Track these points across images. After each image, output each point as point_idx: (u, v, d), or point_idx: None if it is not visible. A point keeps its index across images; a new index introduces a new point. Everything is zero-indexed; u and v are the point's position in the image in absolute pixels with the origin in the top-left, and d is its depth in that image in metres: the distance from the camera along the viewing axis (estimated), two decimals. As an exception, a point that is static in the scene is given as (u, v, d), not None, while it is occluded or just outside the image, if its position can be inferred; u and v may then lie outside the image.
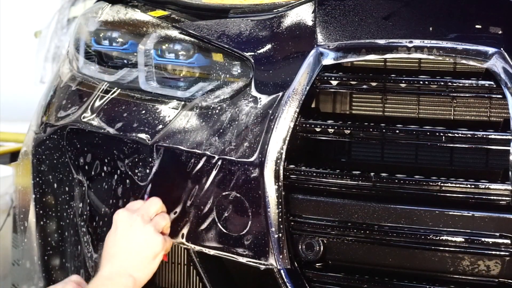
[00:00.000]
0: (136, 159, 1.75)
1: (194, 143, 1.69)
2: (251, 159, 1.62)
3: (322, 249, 1.63)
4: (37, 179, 1.98)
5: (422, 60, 1.69)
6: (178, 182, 1.72)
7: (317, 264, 1.64)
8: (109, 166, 1.80)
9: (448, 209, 1.54)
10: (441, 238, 1.53)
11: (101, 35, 1.93)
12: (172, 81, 1.82)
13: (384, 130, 1.60)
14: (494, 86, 1.54)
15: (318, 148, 1.75)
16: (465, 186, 1.53)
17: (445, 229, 1.53)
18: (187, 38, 1.81)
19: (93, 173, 1.83)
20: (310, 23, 1.68)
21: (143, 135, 1.75)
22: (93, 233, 1.84)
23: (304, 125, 1.63)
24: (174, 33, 1.83)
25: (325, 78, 1.63)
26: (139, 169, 1.74)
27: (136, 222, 1.62)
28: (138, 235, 1.61)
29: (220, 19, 1.79)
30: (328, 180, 1.62)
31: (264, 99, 1.66)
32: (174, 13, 1.87)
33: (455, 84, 1.58)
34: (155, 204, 1.66)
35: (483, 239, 1.51)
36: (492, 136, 1.54)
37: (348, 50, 1.62)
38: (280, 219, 1.60)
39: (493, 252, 1.52)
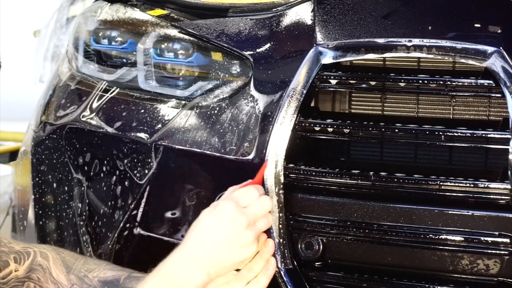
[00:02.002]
0: (135, 158, 1.75)
1: (193, 142, 1.69)
2: (251, 158, 1.62)
3: (321, 248, 1.63)
4: (37, 178, 1.98)
5: (421, 59, 1.69)
6: (177, 181, 1.72)
7: (317, 263, 1.64)
8: (108, 165, 1.80)
9: (447, 208, 1.54)
10: (440, 237, 1.53)
11: (100, 34, 1.93)
12: (171, 80, 1.82)
13: (383, 129, 1.60)
14: (493, 85, 1.54)
15: (317, 147, 1.75)
16: (464, 185, 1.53)
17: (444, 228, 1.53)
18: (186, 37, 1.81)
19: (92, 172, 1.83)
20: (309, 22, 1.68)
21: (142, 134, 1.75)
22: (92, 232, 1.84)
23: (303, 124, 1.62)
24: (173, 32, 1.83)
25: (324, 77, 1.63)
26: (138, 168, 1.74)
27: (241, 226, 1.46)
28: (237, 240, 1.46)
29: (219, 18, 1.79)
30: (327, 179, 1.62)
31: (263, 98, 1.66)
32: (173, 12, 1.86)
33: (454, 83, 1.57)
34: (266, 206, 1.51)
35: (482, 238, 1.51)
36: (491, 135, 1.54)
37: (347, 49, 1.62)
38: (279, 218, 1.60)
39: (492, 251, 1.52)
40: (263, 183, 1.59)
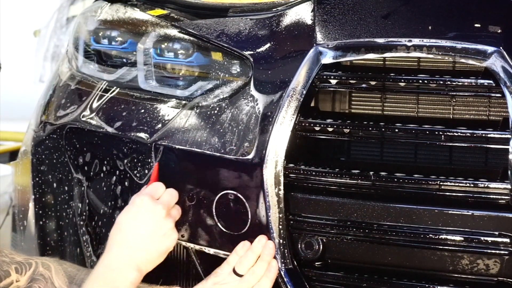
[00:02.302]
0: (135, 158, 1.75)
1: (193, 142, 1.69)
2: (251, 158, 1.62)
3: (321, 248, 1.63)
4: (37, 178, 1.98)
5: (421, 59, 1.69)
6: (177, 181, 1.71)
7: (317, 263, 1.64)
8: (108, 165, 1.80)
9: (447, 208, 1.54)
10: (440, 237, 1.53)
11: (100, 34, 1.93)
12: (171, 80, 1.82)
13: (383, 129, 1.60)
14: (493, 85, 1.54)
15: (317, 147, 1.75)
16: (464, 185, 1.53)
17: (444, 228, 1.53)
18: (186, 37, 1.81)
19: (92, 172, 1.83)
20: (309, 22, 1.68)
21: (142, 134, 1.75)
22: (93, 232, 1.84)
23: (303, 124, 1.62)
24: (173, 32, 1.83)
25: (324, 77, 1.63)
26: (138, 168, 1.74)
27: (159, 214, 1.56)
28: (158, 228, 1.55)
29: (219, 18, 1.79)
30: (327, 179, 1.62)
31: (263, 98, 1.66)
32: (173, 12, 1.86)
33: (454, 83, 1.57)
34: (176, 195, 1.62)
35: (482, 238, 1.51)
36: (491, 135, 1.54)
37: (347, 49, 1.62)
38: (279, 218, 1.60)
39: (492, 251, 1.52)
40: (262, 182, 1.59)
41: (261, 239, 1.59)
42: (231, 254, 1.62)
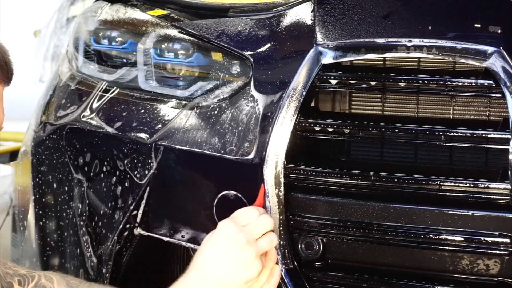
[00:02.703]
0: (136, 159, 1.75)
1: (193, 142, 1.69)
2: (251, 159, 1.62)
3: (321, 248, 1.63)
4: (37, 178, 1.98)
5: (421, 59, 1.69)
6: (177, 181, 1.72)
7: (317, 263, 1.64)
8: (109, 165, 1.80)
9: (447, 208, 1.54)
10: (440, 237, 1.53)
11: (100, 34, 1.93)
12: (172, 80, 1.82)
13: (383, 129, 1.60)
14: (494, 85, 1.54)
15: (317, 147, 1.75)
16: (464, 185, 1.53)
17: (444, 228, 1.53)
18: (186, 37, 1.81)
19: (92, 172, 1.83)
20: (309, 22, 1.68)
21: (142, 134, 1.75)
22: (93, 233, 1.84)
23: (303, 124, 1.62)
24: (174, 32, 1.83)
25: (325, 77, 1.63)
26: (138, 168, 1.74)
27: (240, 242, 1.46)
28: (238, 258, 1.46)
29: (219, 18, 1.79)
30: (327, 179, 1.62)
31: (264, 99, 1.66)
32: (173, 12, 1.86)
33: (454, 83, 1.57)
34: (266, 224, 1.52)
35: (482, 238, 1.51)
36: (492, 135, 1.54)
37: (348, 49, 1.62)
38: (280, 218, 1.60)
39: (492, 251, 1.52)
40: (262, 182, 1.59)
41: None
42: None
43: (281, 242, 1.60)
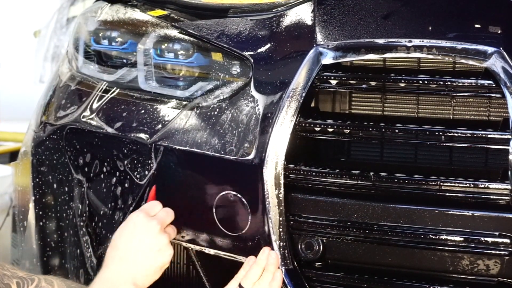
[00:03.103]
0: (135, 159, 1.75)
1: (193, 142, 1.69)
2: (251, 159, 1.62)
3: (321, 248, 1.63)
4: (37, 179, 1.98)
5: (421, 60, 1.69)
6: (177, 181, 1.72)
7: (317, 264, 1.64)
8: (109, 166, 1.80)
9: (447, 209, 1.54)
10: (440, 237, 1.53)
11: (100, 35, 1.93)
12: (172, 80, 1.82)
13: (383, 130, 1.60)
14: (494, 85, 1.54)
15: (317, 147, 1.75)
16: (464, 185, 1.53)
17: (444, 228, 1.53)
18: (186, 37, 1.81)
19: (92, 173, 1.83)
20: (309, 22, 1.68)
21: (142, 135, 1.75)
22: (93, 233, 1.84)
23: (303, 124, 1.62)
24: (174, 32, 1.83)
25: (325, 77, 1.63)
26: (138, 169, 1.74)
27: (154, 230, 1.58)
28: (153, 243, 1.57)
29: (219, 18, 1.79)
30: (327, 179, 1.62)
31: (264, 99, 1.66)
32: (173, 13, 1.86)
33: (454, 84, 1.58)
34: (171, 214, 1.64)
35: (482, 239, 1.51)
36: (492, 136, 1.54)
37: (348, 49, 1.62)
38: (280, 219, 1.60)
39: (492, 252, 1.52)
40: (262, 183, 1.59)
41: (265, 250, 1.61)
42: (239, 270, 1.62)
43: (281, 243, 1.60)
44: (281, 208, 1.60)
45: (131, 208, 1.75)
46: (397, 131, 1.59)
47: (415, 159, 1.74)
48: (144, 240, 1.57)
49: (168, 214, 1.63)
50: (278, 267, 1.59)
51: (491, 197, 1.52)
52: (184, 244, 1.71)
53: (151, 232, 1.57)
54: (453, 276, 1.57)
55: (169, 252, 1.59)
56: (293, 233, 1.63)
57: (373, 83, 1.62)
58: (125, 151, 1.77)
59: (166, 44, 1.82)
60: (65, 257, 1.96)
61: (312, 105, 1.72)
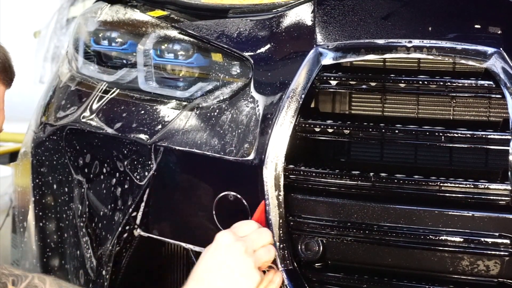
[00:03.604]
0: (135, 159, 1.75)
1: (193, 143, 1.69)
2: (251, 159, 1.62)
3: (321, 249, 1.63)
4: (37, 180, 1.98)
5: (421, 60, 1.69)
6: (177, 182, 1.71)
7: (317, 264, 1.63)
8: (109, 166, 1.80)
9: (447, 209, 1.53)
10: (440, 238, 1.53)
11: (100, 35, 1.93)
12: (171, 81, 1.82)
13: (383, 130, 1.60)
14: (494, 86, 1.54)
15: (317, 148, 1.75)
16: (464, 186, 1.53)
17: (444, 229, 1.53)
18: (186, 38, 1.81)
19: (92, 173, 1.83)
20: (309, 23, 1.67)
21: (142, 135, 1.75)
22: (93, 234, 1.84)
23: (303, 125, 1.62)
24: (173, 33, 1.82)
25: (324, 78, 1.63)
26: (138, 169, 1.74)
27: (238, 252, 1.44)
28: (236, 267, 1.43)
29: (219, 19, 1.79)
30: (327, 180, 1.62)
31: (263, 99, 1.66)
32: (173, 13, 1.86)
33: (454, 84, 1.57)
34: (265, 236, 1.50)
35: (482, 239, 1.51)
36: (492, 136, 1.54)
37: (347, 50, 1.62)
38: (280, 219, 1.60)
39: (493, 252, 1.51)
40: (262, 184, 1.59)
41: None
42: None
43: (281, 245, 1.60)
44: (281, 208, 1.60)
45: (131, 209, 1.74)
46: (397, 131, 1.59)
47: (415, 159, 1.74)
48: (226, 262, 1.44)
49: (262, 236, 1.49)
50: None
51: (491, 197, 1.52)
52: (183, 245, 1.71)
53: (235, 255, 1.44)
54: (453, 276, 1.56)
55: (254, 278, 1.44)
56: (293, 233, 1.63)
57: (373, 84, 1.62)
58: (125, 151, 1.77)
59: (166, 45, 1.82)
60: (65, 257, 1.96)
61: (312, 105, 1.71)
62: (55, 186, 1.94)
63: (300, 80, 1.62)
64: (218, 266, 1.44)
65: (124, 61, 1.89)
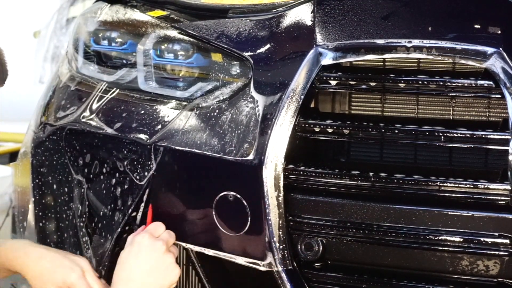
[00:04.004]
0: (135, 160, 1.75)
1: (193, 143, 1.69)
2: (250, 159, 1.62)
3: (321, 249, 1.63)
4: (36, 180, 1.98)
5: (421, 60, 1.69)
6: (177, 182, 1.71)
7: (316, 264, 1.64)
8: (108, 166, 1.80)
9: (447, 209, 1.54)
10: (440, 238, 1.53)
11: (100, 35, 1.93)
12: (171, 81, 1.82)
13: (383, 130, 1.60)
14: (493, 86, 1.54)
15: (317, 148, 1.75)
16: (464, 186, 1.53)
17: (444, 229, 1.53)
18: (186, 38, 1.81)
19: (92, 173, 1.83)
20: (309, 23, 1.67)
21: (142, 135, 1.75)
22: (92, 234, 1.84)
23: (303, 125, 1.62)
24: (173, 33, 1.83)
25: (324, 78, 1.63)
26: (138, 169, 1.74)
27: (160, 250, 1.60)
28: (160, 263, 1.60)
29: (219, 19, 1.79)
30: (327, 180, 1.62)
31: (263, 99, 1.66)
32: (173, 13, 1.86)
33: (454, 84, 1.58)
34: (173, 235, 1.66)
35: (482, 239, 1.51)
36: (491, 136, 1.54)
37: (347, 50, 1.62)
38: (279, 220, 1.60)
39: (492, 252, 1.52)
40: (262, 183, 1.59)
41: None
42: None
43: (281, 244, 1.60)
44: (280, 208, 1.60)
45: (131, 209, 1.75)
46: (396, 131, 1.59)
47: (414, 159, 1.74)
48: (151, 260, 1.59)
49: (171, 235, 1.66)
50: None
51: (491, 197, 1.52)
52: (183, 244, 1.71)
53: (157, 253, 1.60)
54: (452, 276, 1.57)
55: (176, 271, 1.61)
56: (292, 233, 1.63)
57: (372, 84, 1.62)
58: (125, 151, 1.77)
59: (165, 45, 1.82)
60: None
61: (312, 105, 1.72)
62: (55, 186, 1.94)
63: (300, 80, 1.62)
64: (144, 265, 1.58)
65: (124, 61, 1.89)
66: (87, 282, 1.64)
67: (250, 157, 1.62)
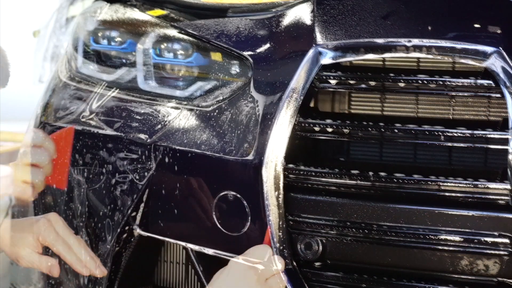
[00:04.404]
0: (135, 159, 1.75)
1: (193, 143, 1.69)
2: (250, 159, 1.62)
3: (321, 248, 1.63)
4: (36, 179, 1.97)
5: (420, 59, 1.69)
6: (177, 182, 1.71)
7: (316, 264, 1.63)
8: (108, 166, 1.80)
9: (447, 209, 1.53)
10: (440, 237, 1.53)
11: (99, 35, 1.93)
12: (171, 80, 1.82)
13: (382, 130, 1.60)
14: (493, 85, 1.54)
15: (317, 147, 1.75)
16: (464, 185, 1.53)
17: (444, 228, 1.53)
18: (185, 37, 1.81)
19: (92, 173, 1.83)
20: (308, 22, 1.67)
21: (141, 135, 1.75)
22: (92, 234, 1.84)
23: (302, 124, 1.62)
24: (173, 32, 1.82)
25: (324, 77, 1.63)
26: (138, 169, 1.74)
27: (251, 280, 1.49)
28: None
29: (218, 18, 1.79)
30: (327, 179, 1.62)
31: (263, 99, 1.66)
32: (172, 12, 1.86)
33: (453, 83, 1.57)
34: (278, 265, 1.55)
35: (482, 239, 1.51)
36: (491, 135, 1.54)
37: (347, 49, 1.62)
38: (279, 219, 1.60)
39: (492, 252, 1.51)
40: (262, 183, 1.59)
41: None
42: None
43: (280, 245, 1.60)
44: (280, 208, 1.60)
45: (130, 208, 1.74)
46: (396, 131, 1.59)
47: (414, 159, 1.74)
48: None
49: (273, 265, 1.55)
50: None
51: (491, 197, 1.52)
52: (183, 244, 1.71)
53: (248, 282, 1.50)
54: (452, 276, 1.56)
55: None
56: (292, 233, 1.63)
57: (372, 83, 1.62)
58: (125, 151, 1.77)
59: (165, 44, 1.82)
60: (64, 257, 1.96)
61: (312, 105, 1.71)
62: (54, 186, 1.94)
63: (299, 79, 1.62)
64: None
65: (124, 61, 1.89)
66: (55, 231, 1.57)
67: (250, 156, 1.62)
